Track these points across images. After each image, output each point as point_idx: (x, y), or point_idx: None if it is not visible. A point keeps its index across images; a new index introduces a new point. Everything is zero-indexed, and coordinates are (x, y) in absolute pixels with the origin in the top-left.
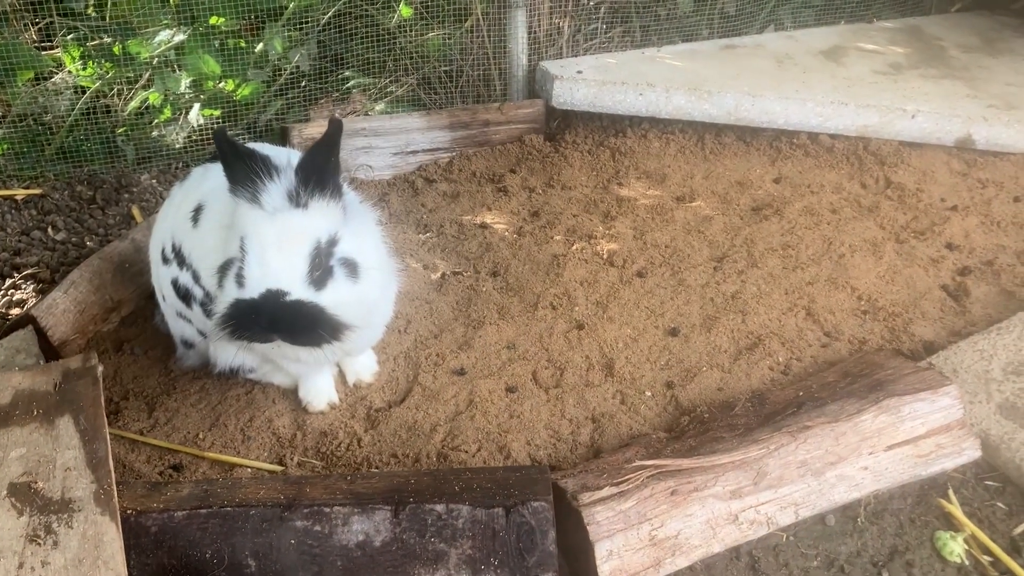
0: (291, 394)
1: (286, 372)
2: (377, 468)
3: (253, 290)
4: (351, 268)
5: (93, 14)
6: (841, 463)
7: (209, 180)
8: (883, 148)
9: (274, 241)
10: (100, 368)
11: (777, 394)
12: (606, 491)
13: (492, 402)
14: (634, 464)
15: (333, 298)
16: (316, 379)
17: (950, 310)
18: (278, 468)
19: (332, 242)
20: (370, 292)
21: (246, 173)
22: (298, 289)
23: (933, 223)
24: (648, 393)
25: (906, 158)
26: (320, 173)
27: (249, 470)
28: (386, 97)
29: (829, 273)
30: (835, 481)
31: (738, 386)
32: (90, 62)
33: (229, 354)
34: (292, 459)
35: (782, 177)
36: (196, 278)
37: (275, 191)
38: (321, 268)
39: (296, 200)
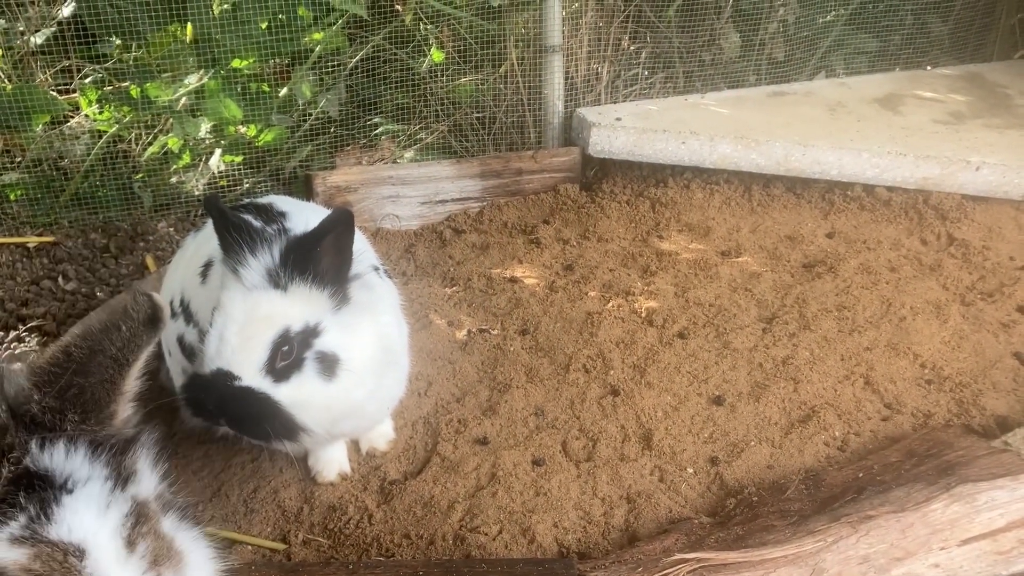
0: (300, 462)
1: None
2: (388, 549)
3: (207, 367)
4: (328, 365)
5: (115, 56)
6: (909, 559)
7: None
8: (945, 202)
9: (239, 319)
10: None
11: (834, 475)
12: None
13: (517, 476)
14: (674, 557)
15: (292, 395)
16: (328, 447)
17: None
18: (281, 546)
19: (310, 332)
20: (347, 394)
21: (233, 243)
22: (249, 376)
23: (1002, 284)
24: (690, 470)
25: (970, 213)
26: (304, 257)
27: (250, 547)
28: (416, 144)
29: (889, 338)
30: None
31: (790, 464)
32: (107, 105)
33: None
34: (297, 536)
35: (836, 232)
36: (202, 337)
37: (256, 267)
38: (289, 359)
39: (275, 280)
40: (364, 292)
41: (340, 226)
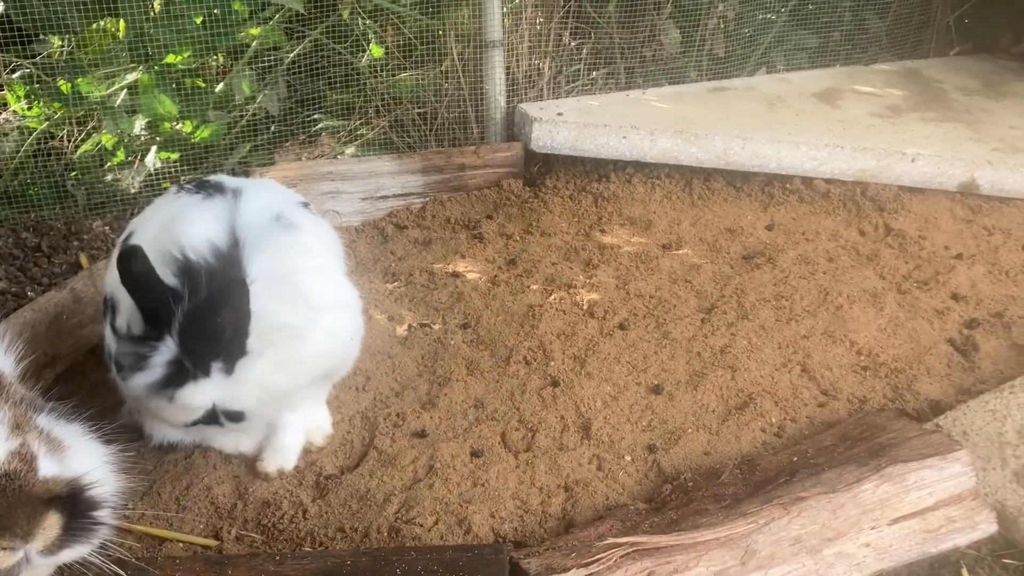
0: (234, 459)
1: (233, 434)
2: (321, 543)
3: None
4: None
5: (51, 52)
6: (840, 539)
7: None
8: (882, 193)
9: None
10: None
11: (769, 459)
12: (574, 573)
13: (455, 468)
14: (607, 542)
15: None
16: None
17: (958, 366)
18: (213, 543)
19: None
20: None
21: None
22: None
23: (937, 272)
24: (628, 458)
25: (907, 204)
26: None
27: (181, 544)
28: (357, 140)
29: (826, 326)
30: (833, 560)
31: (727, 450)
32: (36, 101)
33: None
34: (230, 532)
35: (775, 224)
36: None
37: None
38: None
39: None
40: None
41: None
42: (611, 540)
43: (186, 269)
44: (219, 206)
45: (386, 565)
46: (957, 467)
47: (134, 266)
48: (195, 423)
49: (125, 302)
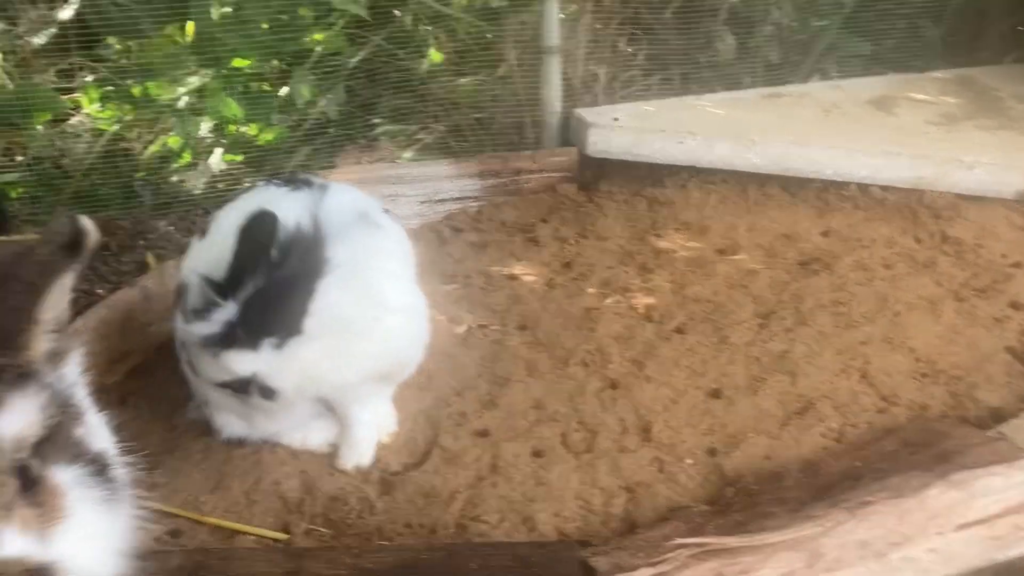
0: (301, 455)
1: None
2: (389, 539)
3: None
4: None
5: (117, 56)
6: (906, 544)
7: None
8: (938, 201)
9: None
10: None
11: (831, 464)
12: (642, 572)
13: (517, 467)
14: (674, 542)
15: None
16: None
17: (1018, 374)
18: (283, 536)
19: None
20: None
21: None
22: None
23: (995, 280)
24: (689, 461)
25: (963, 212)
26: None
27: (252, 538)
28: (415, 145)
29: (884, 332)
30: (900, 564)
31: (788, 454)
32: (109, 104)
33: None
34: (299, 527)
35: (831, 230)
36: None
37: None
38: None
39: None
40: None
41: None
42: (679, 540)
43: (280, 245)
44: (305, 197)
45: (460, 560)
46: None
47: (267, 224)
48: (226, 386)
49: (194, 286)
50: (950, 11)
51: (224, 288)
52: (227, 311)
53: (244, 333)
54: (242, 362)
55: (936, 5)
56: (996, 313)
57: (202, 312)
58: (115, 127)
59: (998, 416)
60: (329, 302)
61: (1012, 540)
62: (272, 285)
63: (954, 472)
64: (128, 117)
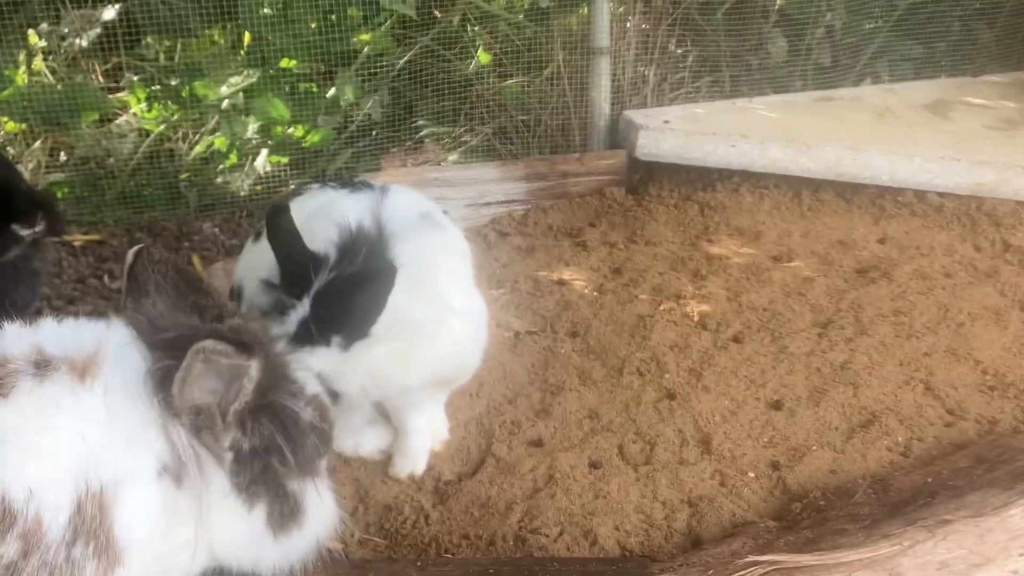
0: (353, 462)
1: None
2: (447, 550)
3: None
4: None
5: (163, 55)
6: (988, 565)
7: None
8: (999, 208)
9: None
10: None
11: (902, 480)
12: None
13: (574, 479)
14: (746, 559)
15: None
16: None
17: None
18: (337, 546)
19: None
20: None
21: None
22: None
23: None
24: (751, 474)
25: None
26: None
27: None
28: (460, 147)
29: (948, 343)
30: None
31: (854, 468)
32: (155, 104)
33: None
34: (353, 536)
35: (887, 237)
36: None
37: None
38: None
39: None
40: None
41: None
42: (750, 558)
43: (340, 242)
44: (367, 198)
45: (529, 575)
46: None
47: (282, 221)
48: None
49: (250, 289)
50: (1005, 13)
51: (293, 288)
52: (300, 311)
53: (316, 329)
54: (313, 361)
55: (990, 7)
56: None
57: (278, 314)
58: (161, 127)
59: None
60: (394, 303)
61: None
62: (343, 284)
63: None
64: (174, 117)
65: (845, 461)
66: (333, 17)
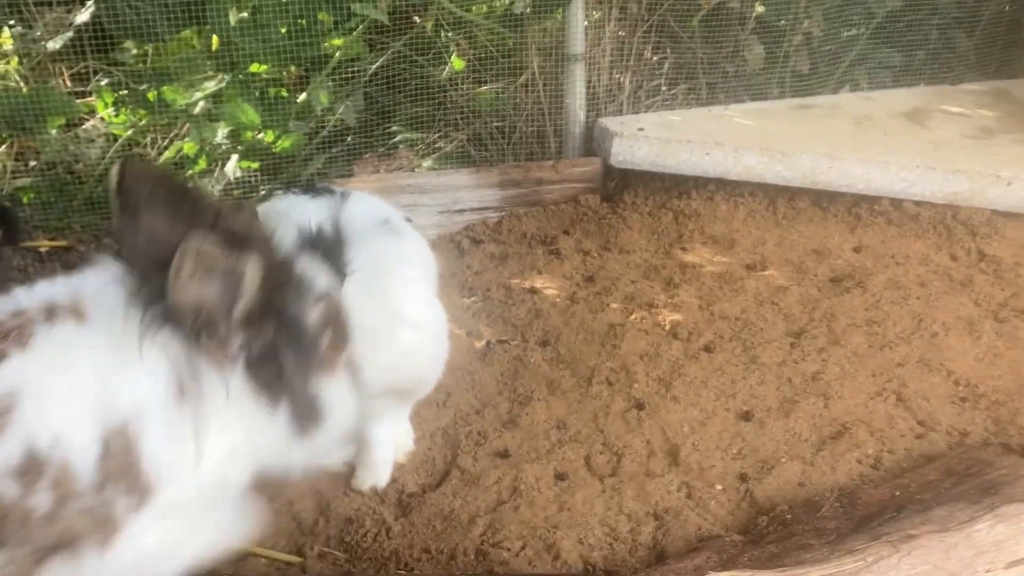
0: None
1: None
2: (407, 564)
3: None
4: None
5: (132, 60)
6: None
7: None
8: (974, 217)
9: None
10: None
11: (870, 493)
12: None
13: (539, 491)
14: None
15: None
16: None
17: None
18: (296, 559)
19: None
20: None
21: None
22: None
23: None
24: (719, 487)
25: (1000, 229)
26: None
27: (264, 560)
28: (434, 153)
29: (921, 354)
30: None
31: (823, 481)
32: (123, 108)
33: None
34: (312, 549)
35: (863, 246)
36: None
37: None
38: None
39: None
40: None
41: None
42: (712, 574)
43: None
44: (326, 203)
45: None
46: None
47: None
48: None
49: None
50: (983, 22)
51: None
52: None
53: None
54: None
55: (968, 16)
56: None
57: None
58: (129, 132)
59: None
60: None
61: None
62: None
63: (1003, 505)
64: (142, 122)
65: (814, 474)
66: (303, 22)
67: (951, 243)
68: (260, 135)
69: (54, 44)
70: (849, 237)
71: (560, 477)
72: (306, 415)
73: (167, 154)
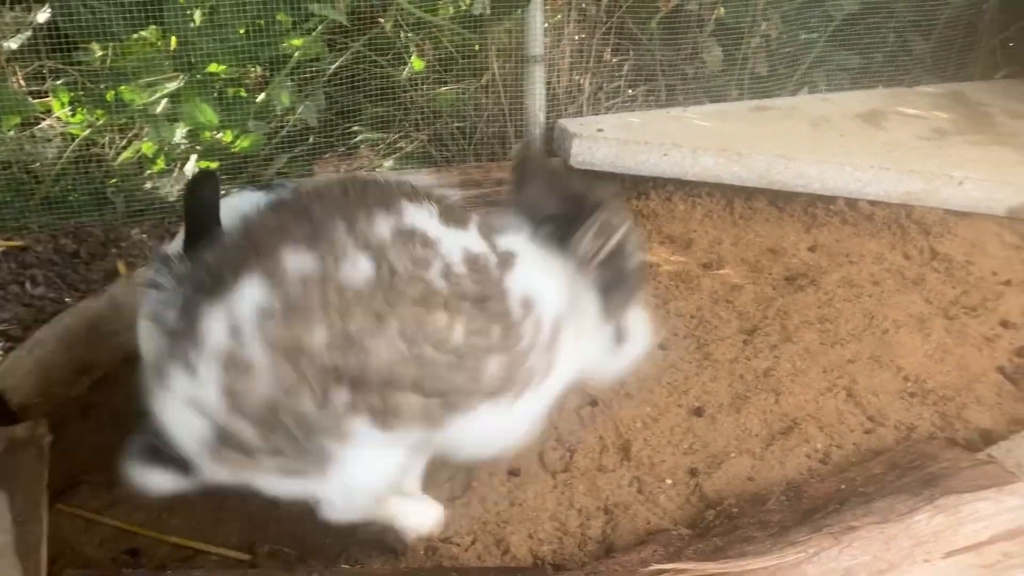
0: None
1: None
2: (357, 560)
3: None
4: None
5: (94, 60)
6: (892, 571)
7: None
8: (928, 216)
9: None
10: (48, 439)
11: (816, 486)
12: None
13: (492, 487)
14: (650, 568)
15: None
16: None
17: (1008, 395)
18: (245, 556)
19: None
20: None
21: None
22: None
23: (985, 298)
24: (669, 481)
25: (953, 228)
26: None
27: (214, 557)
28: (395, 153)
29: (872, 351)
30: None
31: (771, 476)
32: (80, 108)
33: None
34: (263, 546)
35: (818, 245)
36: None
37: None
38: None
39: None
40: None
41: None
42: (655, 567)
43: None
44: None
45: None
46: (1014, 500)
47: (206, 188)
48: None
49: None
50: (940, 26)
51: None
52: None
53: None
54: None
55: (926, 20)
56: (986, 332)
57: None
58: (86, 131)
59: (988, 438)
60: None
61: (1001, 568)
62: None
63: (942, 496)
64: (100, 122)
65: (763, 468)
66: (261, 22)
67: (905, 242)
68: (219, 135)
69: (12, 44)
70: (804, 236)
71: (513, 473)
72: (621, 337)
73: (125, 154)
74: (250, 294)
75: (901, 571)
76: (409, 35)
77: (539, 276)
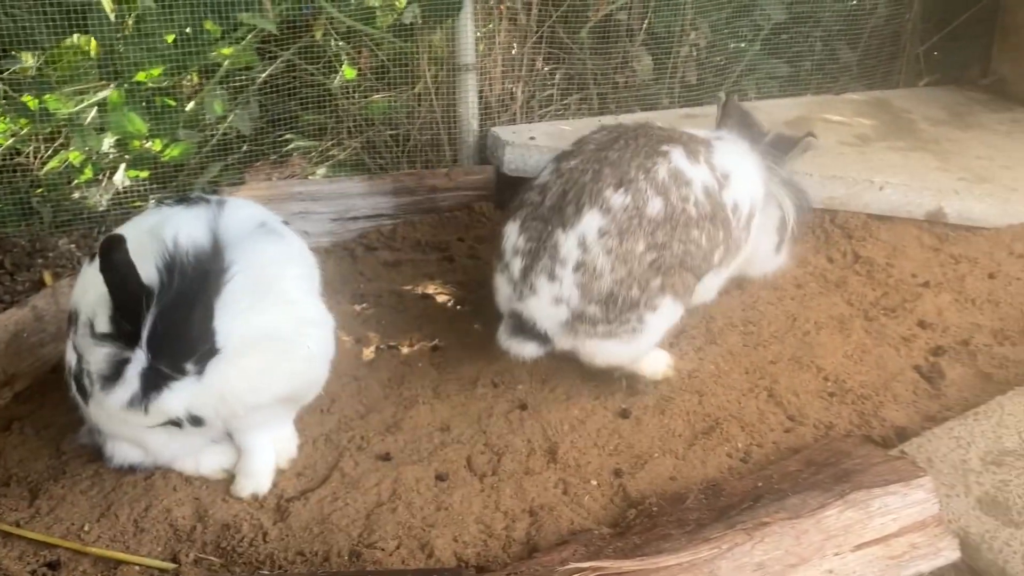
0: (195, 481)
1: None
2: (280, 567)
3: None
4: None
5: (13, 69)
6: (803, 565)
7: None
8: (850, 221)
9: None
10: None
11: (734, 484)
12: None
13: (419, 492)
14: (568, 567)
15: None
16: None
17: (924, 393)
18: (170, 566)
19: None
20: None
21: None
22: None
23: (904, 300)
24: (594, 482)
25: (875, 232)
26: None
27: (137, 568)
28: (328, 161)
29: (793, 351)
30: None
31: (692, 475)
32: (3, 117)
33: None
34: (188, 556)
35: None
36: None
37: None
38: None
39: None
40: None
41: None
42: (573, 565)
43: (166, 265)
44: (202, 212)
45: None
46: (921, 493)
47: (116, 254)
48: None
49: (86, 313)
50: (866, 35)
51: (125, 336)
52: (136, 363)
53: (166, 364)
54: (176, 399)
55: (852, 29)
56: (904, 332)
57: (113, 375)
58: (10, 141)
59: (903, 435)
60: (244, 319)
61: (909, 559)
62: (173, 304)
63: (852, 491)
64: (24, 131)
65: (685, 467)
66: (189, 31)
67: (828, 245)
68: (148, 144)
69: None
70: None
71: (440, 478)
72: (779, 248)
73: (52, 163)
74: (591, 221)
75: (812, 564)
76: (340, 44)
77: (744, 187)
